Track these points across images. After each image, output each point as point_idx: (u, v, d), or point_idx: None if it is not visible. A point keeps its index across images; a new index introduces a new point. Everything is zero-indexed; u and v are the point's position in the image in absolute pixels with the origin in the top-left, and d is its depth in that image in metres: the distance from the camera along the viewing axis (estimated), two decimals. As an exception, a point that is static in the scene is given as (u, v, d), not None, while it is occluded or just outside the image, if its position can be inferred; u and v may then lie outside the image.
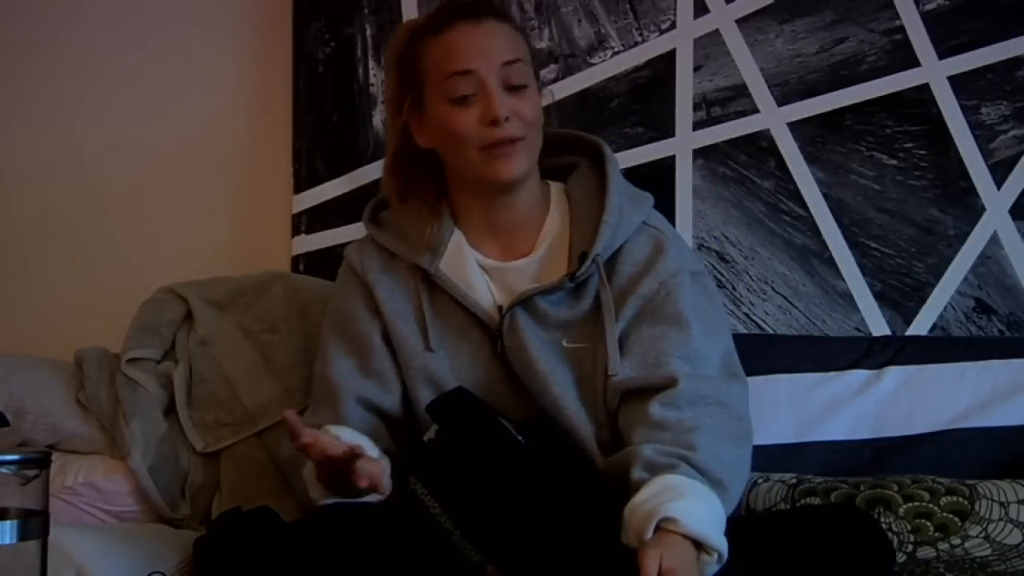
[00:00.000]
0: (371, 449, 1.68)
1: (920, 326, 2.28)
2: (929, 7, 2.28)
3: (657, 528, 1.49)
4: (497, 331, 1.75)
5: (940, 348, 2.18)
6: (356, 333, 1.80)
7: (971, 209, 2.28)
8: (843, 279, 2.29)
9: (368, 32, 2.35)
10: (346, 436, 1.67)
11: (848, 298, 2.29)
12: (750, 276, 2.30)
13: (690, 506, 1.51)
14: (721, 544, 1.50)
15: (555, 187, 1.83)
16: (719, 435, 1.62)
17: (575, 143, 1.87)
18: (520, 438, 1.62)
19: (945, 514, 1.90)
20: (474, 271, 1.78)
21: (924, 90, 2.28)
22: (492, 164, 1.71)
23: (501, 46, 1.72)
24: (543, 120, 1.77)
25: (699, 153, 2.31)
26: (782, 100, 2.30)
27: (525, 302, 1.74)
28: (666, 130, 2.31)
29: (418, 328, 1.78)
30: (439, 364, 1.76)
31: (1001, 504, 1.91)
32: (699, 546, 1.49)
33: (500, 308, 1.76)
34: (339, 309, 1.84)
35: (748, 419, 1.71)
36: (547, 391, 1.71)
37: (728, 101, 2.31)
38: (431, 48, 1.73)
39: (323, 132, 2.36)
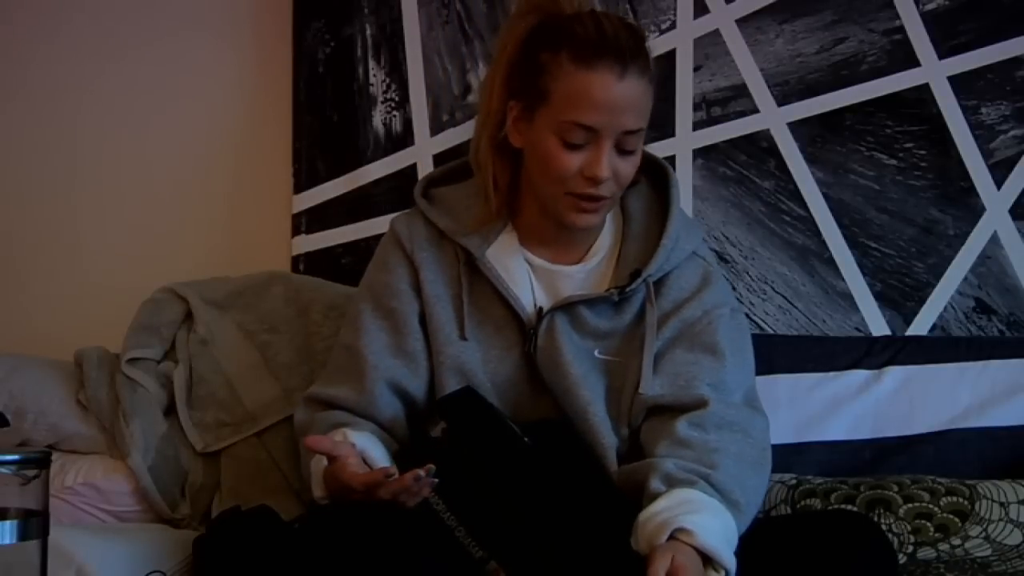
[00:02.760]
0: (384, 460, 1.67)
1: (920, 326, 2.28)
2: (929, 7, 2.28)
3: (670, 537, 1.50)
4: (532, 330, 1.75)
5: (940, 348, 2.18)
6: (394, 309, 1.78)
7: (971, 209, 2.28)
8: (843, 279, 2.29)
9: (368, 32, 2.35)
10: (360, 444, 1.66)
11: (848, 298, 2.29)
12: (750, 276, 2.30)
13: (705, 521, 1.52)
14: (730, 562, 1.51)
15: None
16: (741, 460, 1.64)
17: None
18: (526, 439, 1.63)
19: (945, 514, 1.90)
20: (520, 266, 1.78)
21: (924, 90, 2.28)
22: (572, 212, 1.71)
23: (633, 112, 1.67)
24: None
25: (699, 153, 2.31)
26: (782, 100, 2.30)
27: (567, 307, 1.74)
28: (666, 130, 2.30)
29: (455, 315, 1.77)
30: (470, 355, 1.75)
31: (1001, 504, 1.91)
32: (707, 561, 1.50)
33: (540, 309, 1.76)
34: (379, 281, 1.81)
35: (769, 451, 1.72)
36: (577, 395, 1.71)
37: (728, 101, 2.31)
38: (565, 74, 1.66)
39: (323, 132, 2.35)
